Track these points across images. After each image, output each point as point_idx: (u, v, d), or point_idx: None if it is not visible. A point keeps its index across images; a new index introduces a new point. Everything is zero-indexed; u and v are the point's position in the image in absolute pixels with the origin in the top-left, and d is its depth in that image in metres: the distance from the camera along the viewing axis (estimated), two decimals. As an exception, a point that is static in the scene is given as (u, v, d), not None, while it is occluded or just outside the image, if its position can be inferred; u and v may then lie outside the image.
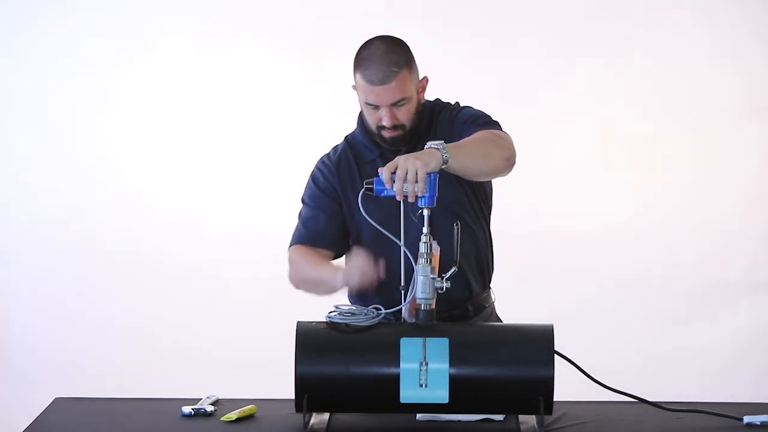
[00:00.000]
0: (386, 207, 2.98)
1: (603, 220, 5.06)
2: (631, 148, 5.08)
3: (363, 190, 2.89)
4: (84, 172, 5.07)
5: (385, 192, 2.85)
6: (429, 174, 2.82)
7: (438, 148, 2.85)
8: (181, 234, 5.06)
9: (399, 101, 3.07)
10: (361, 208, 2.92)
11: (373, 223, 2.94)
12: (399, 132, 3.11)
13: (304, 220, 3.24)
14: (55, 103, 5.06)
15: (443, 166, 2.86)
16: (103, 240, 5.07)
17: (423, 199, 2.84)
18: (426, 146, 2.87)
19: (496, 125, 3.15)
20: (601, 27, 5.03)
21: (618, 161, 5.09)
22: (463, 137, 3.07)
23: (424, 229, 2.85)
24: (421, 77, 3.15)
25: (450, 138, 3.05)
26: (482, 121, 3.14)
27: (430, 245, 2.85)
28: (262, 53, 5.07)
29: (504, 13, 5.04)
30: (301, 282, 3.20)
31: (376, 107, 3.09)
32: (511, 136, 3.12)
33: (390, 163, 2.82)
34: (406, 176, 2.79)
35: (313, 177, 3.25)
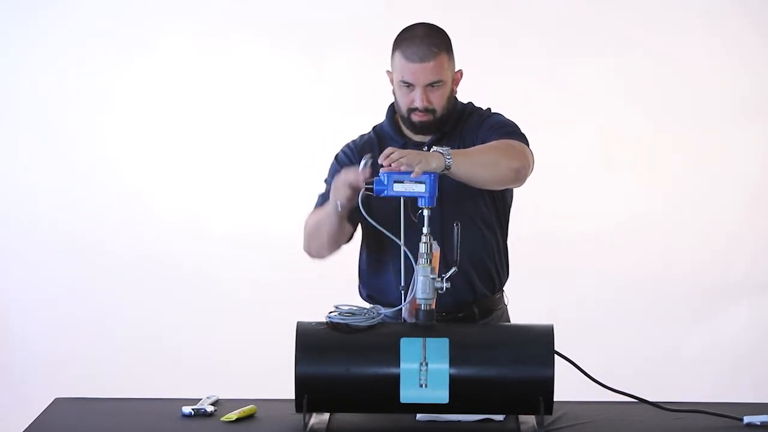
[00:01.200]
0: (388, 206, 2.98)
1: (604, 220, 5.06)
2: (632, 149, 5.08)
3: (363, 190, 2.89)
4: (84, 173, 5.07)
5: (385, 192, 2.85)
6: (429, 174, 2.83)
7: (442, 153, 2.87)
8: (181, 234, 5.06)
9: (434, 83, 3.08)
10: (360, 208, 2.92)
11: (373, 223, 2.94)
12: (429, 117, 3.11)
13: (324, 194, 3.23)
14: (55, 103, 5.06)
15: (445, 172, 2.88)
16: (103, 240, 5.07)
17: (423, 199, 2.84)
18: (432, 149, 2.89)
19: (520, 137, 3.14)
20: (602, 27, 5.03)
21: (619, 162, 5.09)
22: (482, 142, 3.09)
23: (424, 229, 2.85)
24: (456, 70, 3.16)
25: (473, 140, 3.08)
26: (505, 131, 3.14)
27: (430, 245, 2.86)
28: (262, 53, 5.07)
29: (504, 13, 5.04)
30: (311, 236, 3.18)
31: (411, 87, 3.09)
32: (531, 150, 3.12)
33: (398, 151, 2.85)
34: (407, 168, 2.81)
35: (336, 157, 3.26)
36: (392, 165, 2.83)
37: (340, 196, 2.97)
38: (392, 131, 3.21)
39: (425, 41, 3.08)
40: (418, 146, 3.14)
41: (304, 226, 3.22)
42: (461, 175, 2.93)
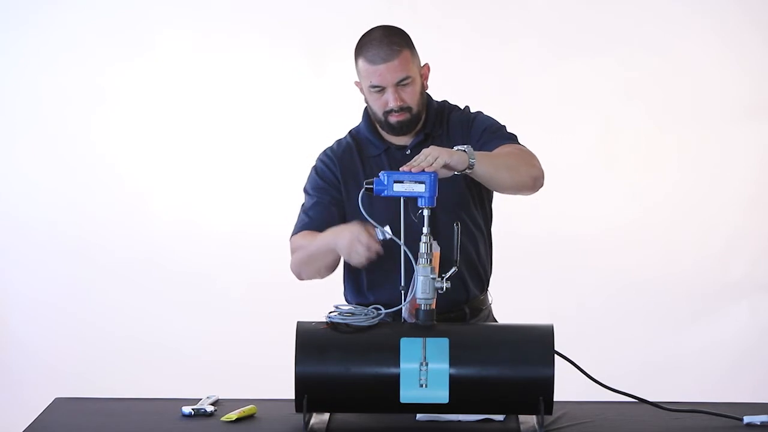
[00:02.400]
0: (386, 207, 2.98)
1: (604, 220, 5.06)
2: (633, 149, 5.08)
3: (363, 190, 2.89)
4: (83, 173, 5.07)
5: (385, 192, 2.85)
6: (429, 174, 2.83)
7: (465, 151, 2.89)
8: (181, 234, 5.06)
9: (403, 80, 3.09)
10: (360, 208, 2.92)
11: (373, 223, 2.94)
12: (406, 115, 3.11)
13: (306, 209, 3.23)
14: (54, 102, 5.05)
15: (468, 171, 2.90)
16: (103, 240, 5.07)
17: (423, 199, 2.84)
18: (454, 148, 2.91)
19: (515, 138, 3.18)
20: (603, 27, 5.03)
21: (619, 161, 5.09)
22: (486, 145, 3.11)
23: (424, 229, 2.85)
24: (422, 64, 3.17)
25: (463, 140, 3.10)
26: (504, 134, 3.17)
27: (430, 245, 2.86)
28: (262, 53, 5.07)
29: (504, 13, 5.04)
30: (302, 264, 3.17)
31: (381, 91, 3.09)
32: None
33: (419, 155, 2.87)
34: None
35: (315, 167, 3.26)
36: (432, 167, 2.84)
37: (358, 257, 2.95)
38: (372, 136, 3.21)
39: (384, 41, 3.09)
40: (401, 149, 3.17)
41: (292, 249, 3.20)
42: (483, 174, 2.95)
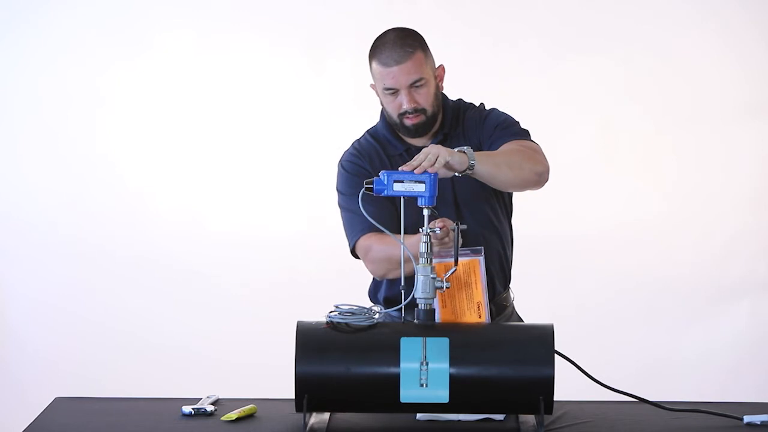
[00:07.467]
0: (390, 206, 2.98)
1: (604, 220, 5.06)
2: (633, 149, 5.08)
3: (363, 190, 2.89)
4: (84, 172, 5.07)
5: (385, 192, 2.85)
6: (429, 174, 2.83)
7: (465, 152, 2.90)
8: (181, 234, 5.06)
9: (416, 82, 3.09)
10: (361, 208, 2.92)
11: (373, 222, 2.94)
12: (421, 117, 3.12)
13: (355, 210, 3.05)
14: (55, 102, 5.05)
15: (468, 171, 2.90)
16: (103, 240, 5.07)
17: (423, 199, 2.84)
18: (455, 150, 2.91)
19: (526, 134, 3.18)
20: (602, 26, 5.03)
21: (619, 161, 5.09)
22: (495, 143, 3.12)
23: (425, 229, 2.85)
24: (437, 66, 3.18)
25: (478, 138, 3.12)
26: (514, 130, 3.17)
27: (430, 245, 2.86)
28: (262, 53, 5.07)
29: (506, 12, 5.04)
30: (393, 269, 3.09)
31: (395, 93, 3.10)
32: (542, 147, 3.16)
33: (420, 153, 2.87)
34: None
35: (345, 168, 3.22)
36: (433, 167, 2.83)
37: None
38: (392, 137, 3.21)
39: (398, 44, 3.09)
40: (419, 150, 3.15)
41: (367, 254, 3.13)
42: (484, 174, 2.95)
